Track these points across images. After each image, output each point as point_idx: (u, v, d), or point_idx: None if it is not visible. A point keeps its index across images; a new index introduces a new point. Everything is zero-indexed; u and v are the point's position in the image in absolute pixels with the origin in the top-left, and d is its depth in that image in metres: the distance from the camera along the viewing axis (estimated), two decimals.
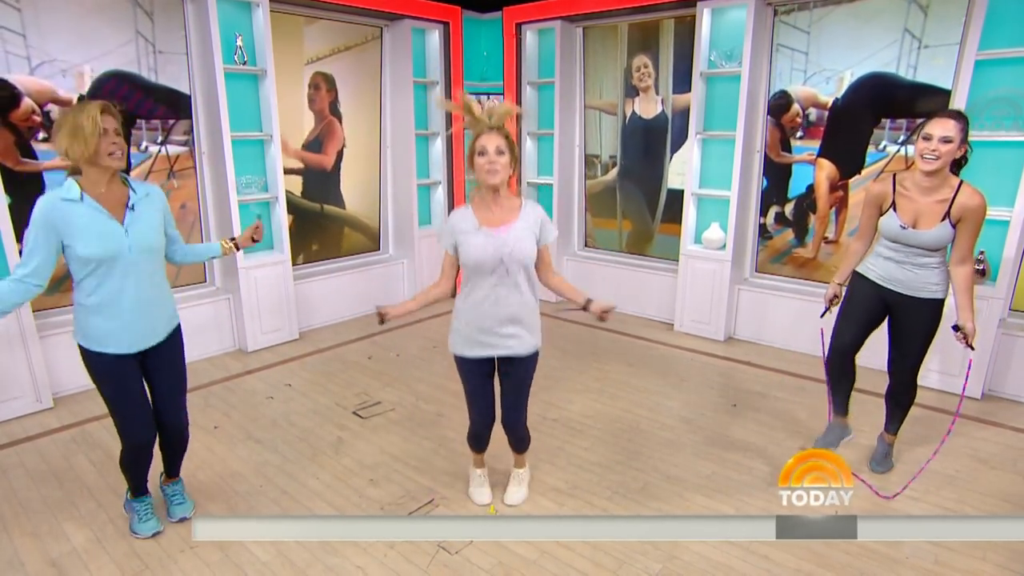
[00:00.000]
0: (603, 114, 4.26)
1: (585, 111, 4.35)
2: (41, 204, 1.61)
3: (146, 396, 1.84)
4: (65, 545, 1.86)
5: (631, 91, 4.07)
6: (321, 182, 4.00)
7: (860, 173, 3.27)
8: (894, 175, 1.99)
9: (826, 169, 3.40)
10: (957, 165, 1.91)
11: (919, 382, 2.19)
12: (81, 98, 2.91)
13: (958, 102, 2.71)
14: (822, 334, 2.29)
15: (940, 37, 2.90)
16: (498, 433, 2.04)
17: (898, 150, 3.13)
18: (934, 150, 1.82)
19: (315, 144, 3.93)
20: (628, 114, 4.13)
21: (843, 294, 2.20)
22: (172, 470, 2.03)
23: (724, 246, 3.60)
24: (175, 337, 1.89)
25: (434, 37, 4.18)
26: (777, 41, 3.40)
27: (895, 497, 2.09)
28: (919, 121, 3.03)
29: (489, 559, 1.80)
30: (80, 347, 1.75)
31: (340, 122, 4.00)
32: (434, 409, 2.80)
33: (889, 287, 2.04)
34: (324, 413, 2.76)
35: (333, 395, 2.96)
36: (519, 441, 2.06)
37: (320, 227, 4.07)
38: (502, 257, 1.77)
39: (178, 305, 3.43)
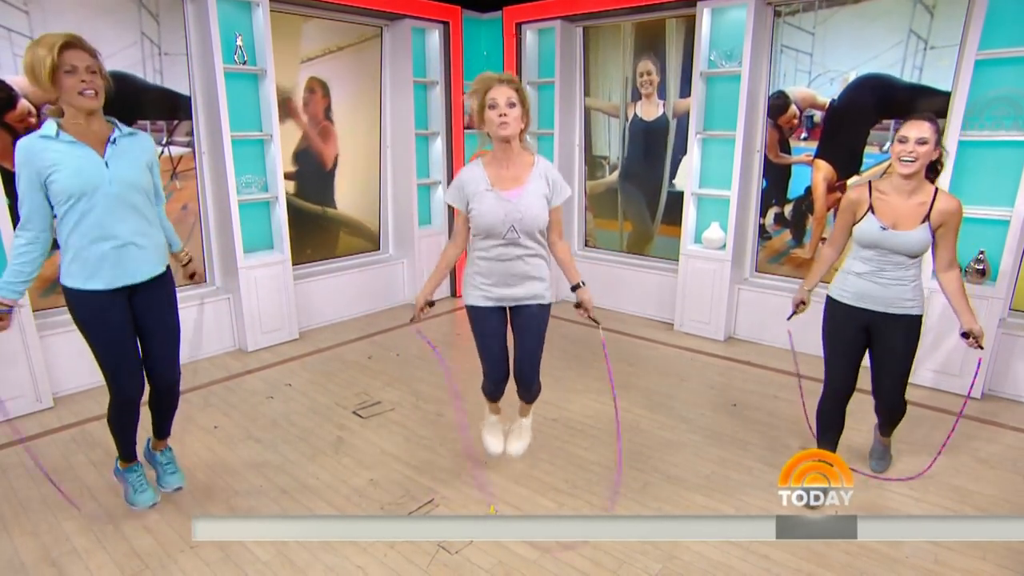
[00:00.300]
0: (609, 117, 4.25)
1: (587, 112, 4.34)
2: (20, 146, 1.60)
3: (136, 345, 1.81)
4: (65, 545, 1.86)
5: (635, 95, 4.06)
6: (315, 185, 3.95)
7: (859, 174, 3.27)
8: (870, 181, 1.99)
9: (823, 170, 3.40)
10: (934, 171, 1.91)
11: (912, 382, 2.22)
12: None
13: (958, 102, 2.71)
14: (790, 336, 2.43)
15: (947, 38, 2.88)
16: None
17: None
18: (911, 152, 1.82)
19: (307, 153, 3.87)
20: (630, 117, 4.13)
21: (810, 301, 2.19)
22: (162, 431, 2.01)
23: (724, 246, 3.60)
24: (164, 279, 1.85)
25: (434, 37, 4.18)
26: (781, 42, 3.39)
27: (920, 475, 2.20)
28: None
29: (489, 559, 1.80)
30: (66, 289, 1.70)
31: (333, 127, 3.96)
32: (434, 409, 2.80)
33: (863, 306, 1.99)
34: (324, 413, 2.76)
35: (333, 395, 2.96)
36: (528, 391, 2.05)
37: (320, 228, 4.05)
38: (513, 223, 1.76)
39: (178, 305, 3.43)
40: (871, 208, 1.93)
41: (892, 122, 3.11)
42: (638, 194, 4.24)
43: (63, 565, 1.77)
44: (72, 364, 2.82)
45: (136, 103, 3.08)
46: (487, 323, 1.91)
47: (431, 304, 1.93)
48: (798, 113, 3.40)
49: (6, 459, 2.35)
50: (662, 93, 3.93)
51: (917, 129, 1.82)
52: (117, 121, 1.74)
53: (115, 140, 1.69)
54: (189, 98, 3.24)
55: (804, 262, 3.58)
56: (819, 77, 3.31)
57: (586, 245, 4.61)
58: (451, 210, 1.96)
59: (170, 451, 2.07)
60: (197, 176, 3.37)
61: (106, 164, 1.66)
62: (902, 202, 1.90)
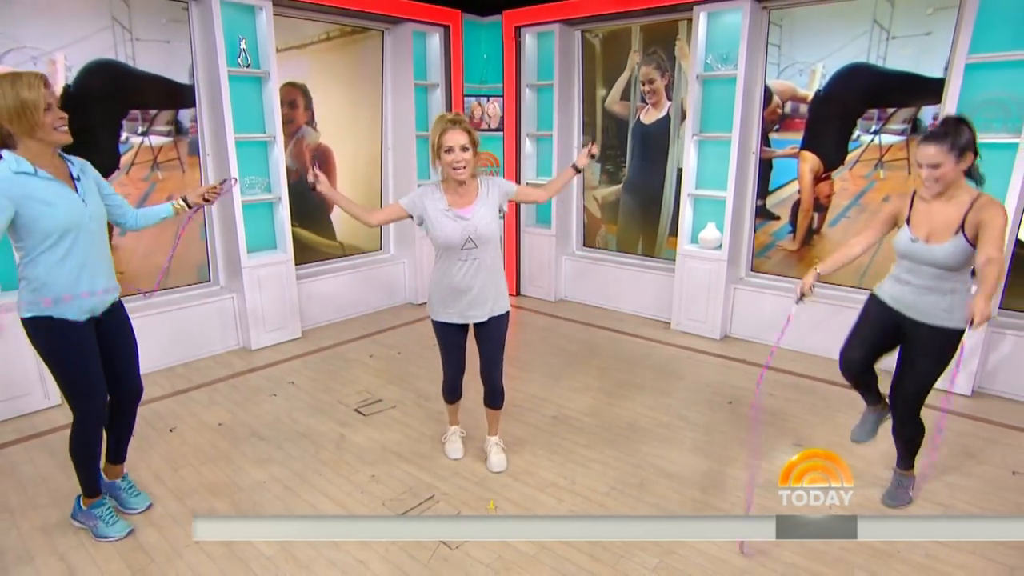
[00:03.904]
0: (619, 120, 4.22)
1: (582, 114, 4.37)
2: None
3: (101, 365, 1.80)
4: (72, 539, 1.89)
5: (641, 99, 4.06)
6: (308, 210, 3.92)
7: (844, 164, 3.34)
8: (915, 191, 1.90)
9: (809, 161, 3.46)
10: (971, 176, 1.79)
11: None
12: (67, 88, 2.80)
13: (949, 105, 2.75)
14: (788, 321, 1.98)
15: (907, 28, 3.00)
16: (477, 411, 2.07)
17: (872, 139, 3.21)
18: (927, 177, 1.77)
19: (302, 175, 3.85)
20: (633, 121, 4.13)
21: (811, 290, 1.96)
22: (120, 453, 2.01)
23: (720, 246, 3.65)
24: (122, 306, 1.90)
25: (435, 40, 4.22)
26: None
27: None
28: (891, 111, 3.12)
29: (489, 554, 1.83)
30: (32, 321, 1.67)
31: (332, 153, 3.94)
32: (435, 406, 2.84)
33: (899, 310, 1.92)
34: (326, 410, 2.80)
35: (335, 393, 2.99)
36: (495, 395, 2.25)
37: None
38: (470, 235, 1.97)
39: (182, 304, 3.38)
40: (908, 219, 1.88)
41: (877, 111, 3.17)
42: (641, 205, 4.22)
43: (71, 559, 1.81)
44: None
45: (118, 91, 2.99)
46: (450, 335, 2.14)
47: (314, 183, 1.94)
48: (780, 105, 3.46)
49: (15, 455, 2.39)
50: (671, 93, 3.91)
51: (925, 156, 1.74)
52: (62, 154, 1.72)
53: (78, 176, 1.70)
54: (173, 84, 3.17)
55: (789, 254, 3.64)
56: (788, 68, 3.39)
57: (584, 245, 4.65)
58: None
59: (128, 476, 2.08)
60: (201, 177, 3.41)
61: (83, 201, 1.67)
62: (940, 208, 1.80)
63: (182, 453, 2.40)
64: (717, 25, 3.50)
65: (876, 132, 3.18)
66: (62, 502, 2.08)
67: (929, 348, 1.86)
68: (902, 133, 3.11)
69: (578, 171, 2.15)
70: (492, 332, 2.12)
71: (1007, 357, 2.84)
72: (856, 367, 2.05)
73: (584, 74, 4.30)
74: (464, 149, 1.90)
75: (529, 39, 4.29)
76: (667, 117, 3.96)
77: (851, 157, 3.29)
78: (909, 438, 2.02)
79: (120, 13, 2.95)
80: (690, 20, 3.57)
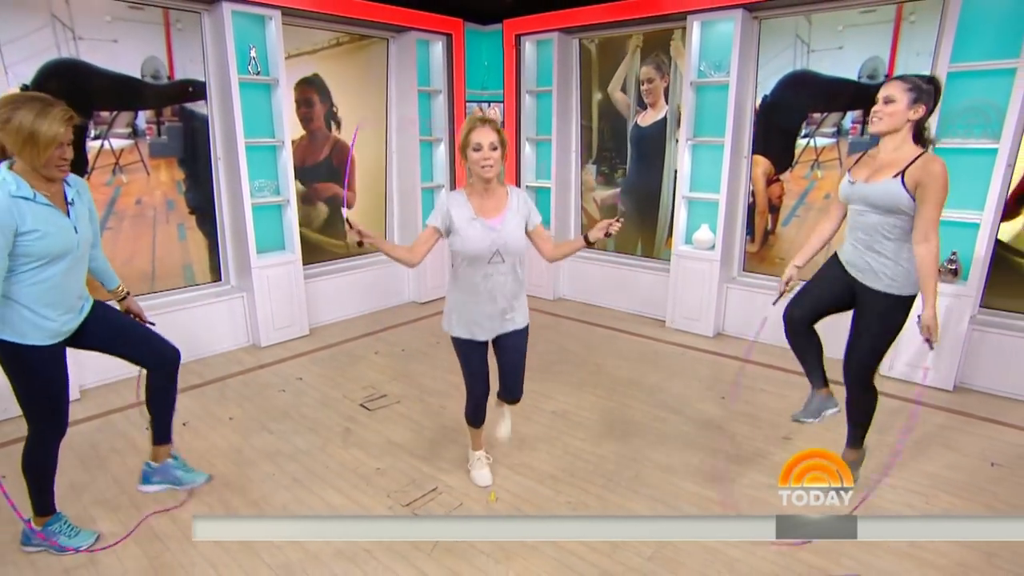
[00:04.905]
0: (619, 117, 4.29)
1: (580, 114, 4.47)
2: None
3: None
4: (91, 528, 1.96)
5: (640, 103, 4.15)
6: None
7: (792, 166, 3.51)
8: (863, 153, 1.94)
9: (761, 165, 3.61)
10: (921, 137, 1.81)
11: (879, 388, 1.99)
12: (25, 88, 2.64)
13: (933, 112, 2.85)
14: (763, 323, 2.20)
15: (824, 43, 3.27)
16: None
17: (807, 143, 3.41)
18: (877, 111, 1.79)
19: (323, 167, 3.99)
20: (631, 125, 4.23)
21: (797, 280, 2.08)
22: (165, 431, 1.99)
23: (713, 247, 3.75)
24: (96, 304, 1.84)
25: (437, 48, 4.33)
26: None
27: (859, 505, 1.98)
28: (819, 116, 3.33)
29: (490, 543, 1.90)
30: (4, 343, 1.61)
31: (339, 131, 4.03)
32: (438, 401, 2.92)
33: (851, 273, 1.93)
34: (333, 405, 2.88)
35: (341, 388, 3.08)
36: (514, 398, 2.18)
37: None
38: (498, 248, 1.89)
39: (195, 303, 3.41)
40: (851, 170, 1.92)
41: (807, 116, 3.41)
42: (639, 207, 4.31)
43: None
44: (96, 359, 2.92)
45: (83, 91, 2.89)
46: (472, 351, 2.02)
47: (360, 243, 1.81)
48: None
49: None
50: (669, 97, 4.00)
51: (885, 88, 1.79)
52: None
53: (72, 201, 1.67)
54: (139, 83, 3.09)
55: (751, 255, 3.81)
56: None
57: None
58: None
59: (178, 455, 2.07)
60: (213, 181, 3.51)
61: (75, 228, 1.65)
62: (884, 158, 1.83)
63: (195, 446, 2.49)
64: (710, 34, 3.61)
65: (808, 136, 3.41)
66: (81, 493, 2.16)
67: (873, 313, 1.88)
68: (832, 136, 3.33)
69: (589, 244, 1.92)
70: (511, 345, 2.04)
71: (988, 353, 2.93)
72: (796, 324, 2.05)
73: (581, 80, 4.41)
74: (493, 148, 1.83)
75: (529, 47, 4.40)
76: (664, 120, 4.05)
77: (798, 154, 3.48)
78: (863, 409, 2.03)
79: (60, 10, 2.77)
80: (684, 28, 3.68)
